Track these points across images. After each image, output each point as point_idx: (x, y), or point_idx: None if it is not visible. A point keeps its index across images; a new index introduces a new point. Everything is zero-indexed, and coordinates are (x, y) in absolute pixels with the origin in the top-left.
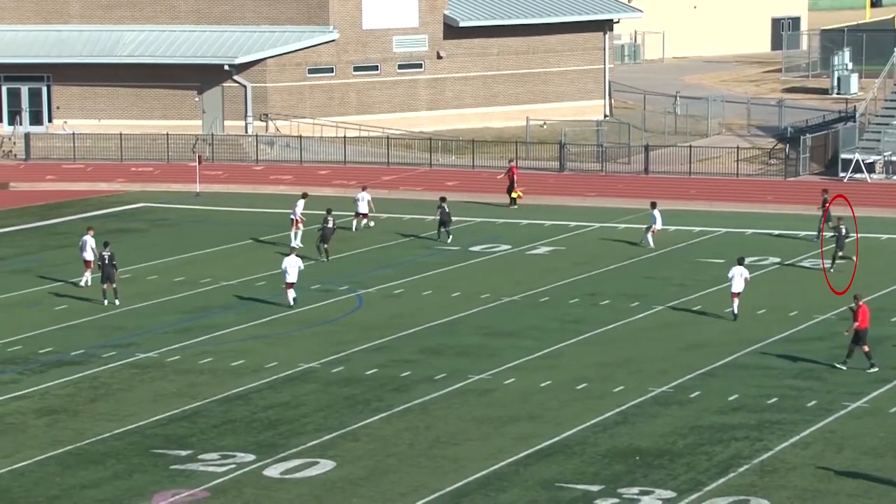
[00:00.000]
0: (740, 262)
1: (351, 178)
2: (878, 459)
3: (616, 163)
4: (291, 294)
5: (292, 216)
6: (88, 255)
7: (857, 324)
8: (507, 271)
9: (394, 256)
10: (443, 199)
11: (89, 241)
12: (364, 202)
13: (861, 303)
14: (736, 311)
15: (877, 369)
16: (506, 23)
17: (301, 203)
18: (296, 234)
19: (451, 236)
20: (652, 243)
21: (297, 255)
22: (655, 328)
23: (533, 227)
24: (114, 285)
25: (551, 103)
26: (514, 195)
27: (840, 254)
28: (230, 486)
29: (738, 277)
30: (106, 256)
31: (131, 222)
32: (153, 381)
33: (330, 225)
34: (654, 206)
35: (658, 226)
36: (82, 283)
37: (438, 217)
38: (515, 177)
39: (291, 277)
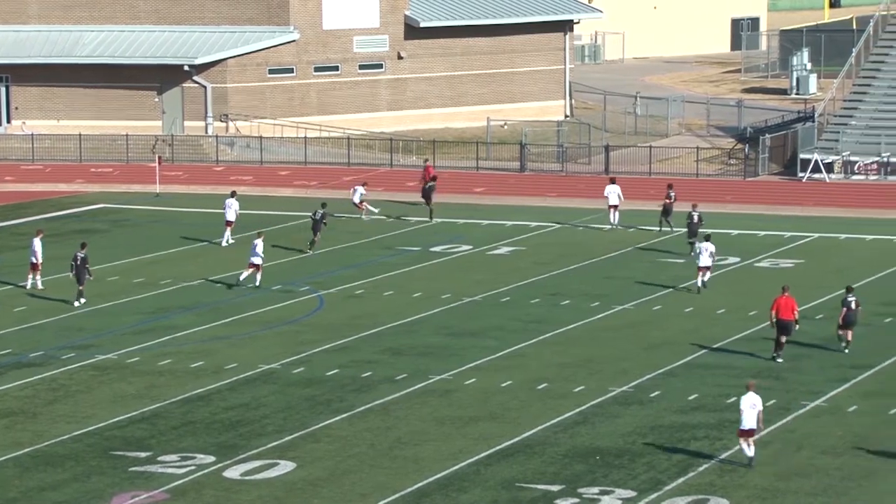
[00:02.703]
0: (707, 238)
1: (312, 179)
2: (836, 458)
3: (576, 163)
4: (247, 274)
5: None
6: (35, 258)
7: (777, 313)
8: (469, 271)
9: (355, 257)
10: (323, 205)
11: (36, 243)
12: (357, 195)
13: (787, 294)
14: (700, 284)
15: (781, 361)
16: (466, 23)
17: (233, 202)
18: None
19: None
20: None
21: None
22: (616, 328)
23: (494, 227)
24: (80, 287)
25: (512, 104)
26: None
27: (690, 241)
28: (190, 487)
29: (705, 252)
30: (79, 257)
31: (91, 223)
32: (112, 383)
33: (319, 217)
34: (612, 181)
35: (617, 202)
36: (28, 286)
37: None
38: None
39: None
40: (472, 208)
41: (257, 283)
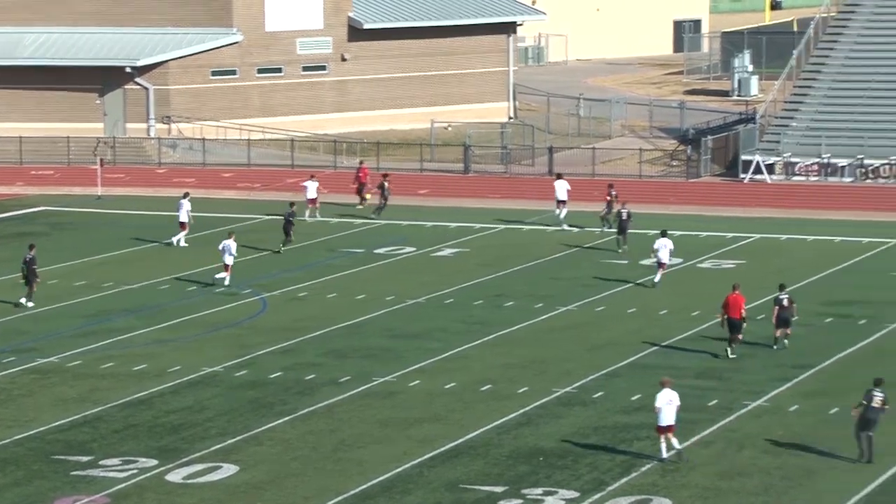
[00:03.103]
0: (664, 234)
1: (255, 181)
2: (777, 457)
3: (520, 164)
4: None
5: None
6: None
7: (727, 310)
8: (413, 273)
9: (298, 259)
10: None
11: None
12: (313, 189)
13: (737, 292)
14: (657, 280)
15: (734, 357)
16: (410, 25)
17: (186, 204)
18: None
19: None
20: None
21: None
22: (560, 329)
23: (438, 228)
24: (31, 289)
25: (456, 105)
26: (366, 196)
27: (618, 237)
28: (132, 491)
29: (664, 249)
30: (28, 258)
31: (32, 226)
32: (54, 387)
33: (290, 218)
34: (559, 176)
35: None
36: None
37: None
38: (367, 178)
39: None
40: (416, 210)
41: (226, 283)
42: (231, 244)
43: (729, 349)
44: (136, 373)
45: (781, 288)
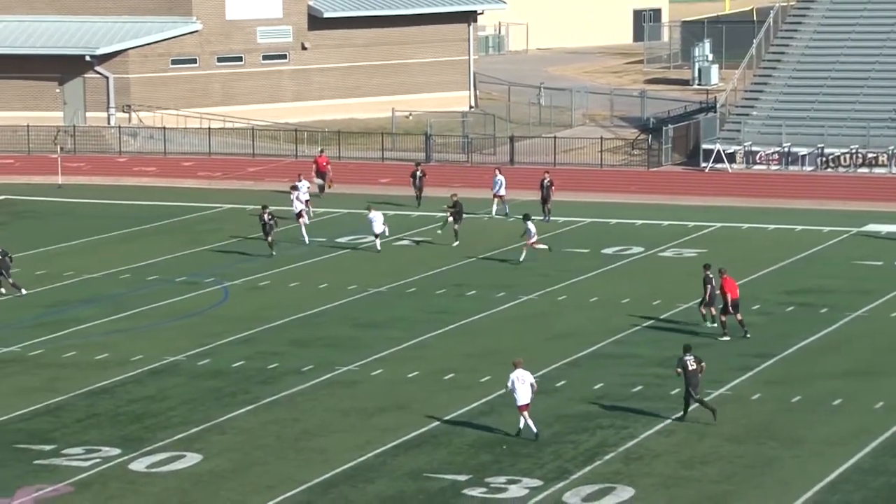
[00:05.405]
0: (527, 217)
1: (216, 170)
2: (739, 446)
3: (482, 153)
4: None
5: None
6: None
7: (729, 296)
8: (374, 262)
9: (259, 248)
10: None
11: None
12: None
13: (725, 275)
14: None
15: (749, 336)
16: (370, 13)
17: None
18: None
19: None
20: (522, 257)
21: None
22: (521, 318)
23: (400, 217)
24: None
25: (416, 94)
26: (329, 184)
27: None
28: (95, 480)
29: (532, 229)
30: None
31: None
32: (15, 376)
33: (268, 219)
34: (527, 217)
35: (533, 238)
36: None
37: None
38: (329, 166)
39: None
40: (377, 199)
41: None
42: (376, 216)
43: (745, 330)
44: (97, 362)
45: (707, 267)
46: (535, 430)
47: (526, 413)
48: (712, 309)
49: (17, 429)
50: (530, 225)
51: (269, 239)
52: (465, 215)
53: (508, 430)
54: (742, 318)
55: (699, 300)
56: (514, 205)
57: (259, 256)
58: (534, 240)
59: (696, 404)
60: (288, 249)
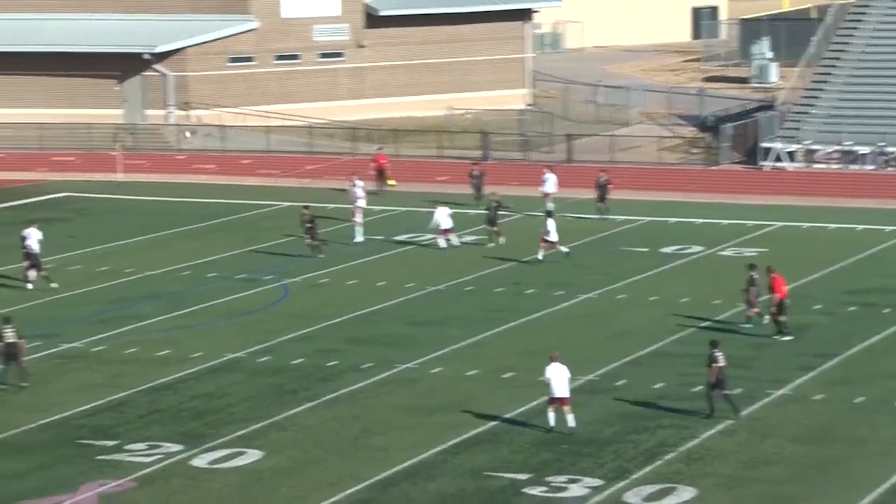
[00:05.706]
0: (549, 214)
1: (275, 167)
2: (802, 446)
3: (539, 152)
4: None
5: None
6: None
7: (776, 295)
8: (432, 260)
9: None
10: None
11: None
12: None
13: (774, 273)
14: (541, 258)
15: (791, 337)
16: (427, 11)
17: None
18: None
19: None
20: (541, 255)
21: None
22: (580, 317)
23: (457, 216)
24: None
25: (473, 92)
26: (390, 182)
27: (494, 228)
28: (157, 476)
29: (552, 227)
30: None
31: (54, 212)
32: (77, 372)
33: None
34: (549, 214)
35: (552, 237)
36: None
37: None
38: (387, 164)
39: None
40: (434, 197)
41: (442, 245)
42: (441, 211)
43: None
44: (158, 358)
45: (752, 267)
46: (571, 424)
47: (566, 407)
48: (756, 310)
49: (80, 424)
50: (550, 222)
51: (315, 242)
52: (516, 216)
53: (568, 429)
54: (786, 319)
55: (745, 303)
56: (568, 203)
57: (318, 255)
58: (551, 238)
59: (720, 399)
60: (347, 247)
